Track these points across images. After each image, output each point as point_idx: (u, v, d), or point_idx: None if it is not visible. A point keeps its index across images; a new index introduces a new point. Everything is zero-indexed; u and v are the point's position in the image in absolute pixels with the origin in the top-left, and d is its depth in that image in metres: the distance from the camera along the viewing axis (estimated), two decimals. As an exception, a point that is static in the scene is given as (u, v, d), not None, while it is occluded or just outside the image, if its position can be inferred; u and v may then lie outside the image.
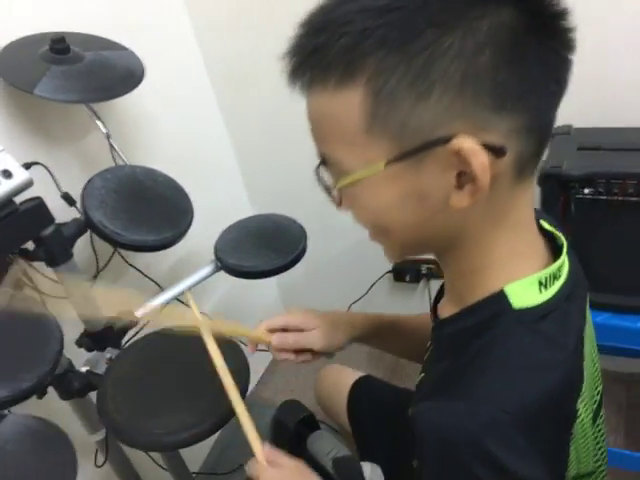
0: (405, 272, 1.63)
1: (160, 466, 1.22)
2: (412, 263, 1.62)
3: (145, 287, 1.14)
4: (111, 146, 1.06)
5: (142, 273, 1.14)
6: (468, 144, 0.40)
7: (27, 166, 0.88)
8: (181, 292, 1.11)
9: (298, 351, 0.75)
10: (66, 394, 0.92)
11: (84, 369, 0.91)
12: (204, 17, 1.38)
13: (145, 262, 1.16)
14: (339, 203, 0.50)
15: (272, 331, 0.74)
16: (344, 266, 1.74)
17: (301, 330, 0.74)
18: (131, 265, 1.12)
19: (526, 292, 0.47)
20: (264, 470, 0.63)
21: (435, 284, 1.63)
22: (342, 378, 1.05)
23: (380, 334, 0.80)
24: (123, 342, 1.00)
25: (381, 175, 0.44)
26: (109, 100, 0.98)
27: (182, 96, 1.38)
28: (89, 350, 0.99)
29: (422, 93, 0.39)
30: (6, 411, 0.68)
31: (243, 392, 0.84)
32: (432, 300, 0.64)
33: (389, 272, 1.66)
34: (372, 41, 0.39)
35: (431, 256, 1.65)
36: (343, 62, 0.41)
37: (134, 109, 1.21)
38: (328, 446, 1.24)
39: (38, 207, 0.87)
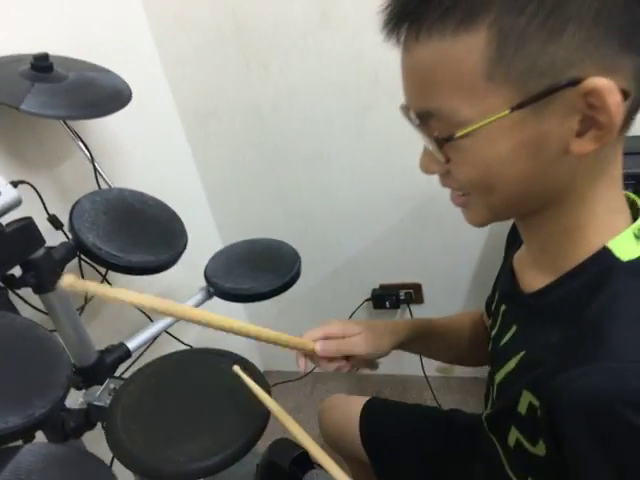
0: (384, 299, 1.62)
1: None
2: (391, 289, 1.62)
3: (132, 317, 1.06)
4: (95, 169, 1.00)
5: (131, 303, 1.06)
6: (603, 82, 0.39)
7: (14, 184, 0.81)
8: (171, 323, 1.04)
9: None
10: (59, 436, 0.82)
11: (80, 403, 0.82)
12: (172, 51, 1.37)
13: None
14: (446, 160, 0.47)
15: (314, 341, 0.70)
16: (321, 298, 1.71)
17: (343, 337, 0.71)
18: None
19: (627, 245, 0.47)
20: None
21: (414, 309, 1.63)
22: (350, 406, 1.00)
23: (421, 338, 0.78)
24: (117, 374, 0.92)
25: (501, 124, 0.42)
26: (99, 117, 0.93)
27: (152, 129, 1.35)
28: (78, 388, 0.90)
29: (554, 32, 0.38)
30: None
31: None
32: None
33: (368, 300, 1.65)
34: None
35: (410, 281, 1.65)
36: (466, 4, 0.40)
37: (107, 136, 1.17)
38: (327, 484, 1.17)
39: (28, 228, 0.80)
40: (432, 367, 1.71)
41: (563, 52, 0.39)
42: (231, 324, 0.63)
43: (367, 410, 0.97)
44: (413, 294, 1.61)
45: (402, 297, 1.61)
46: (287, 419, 0.64)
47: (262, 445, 1.51)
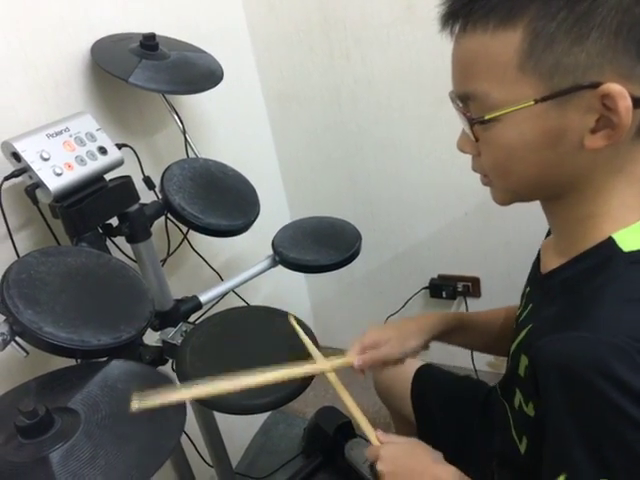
0: (442, 289, 1.66)
1: (207, 463, 1.24)
2: (449, 280, 1.66)
3: (206, 275, 1.19)
4: (186, 140, 1.13)
5: (206, 262, 1.19)
6: (617, 88, 0.44)
7: (118, 147, 0.94)
8: (239, 283, 1.15)
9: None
10: (136, 367, 0.95)
11: (156, 341, 0.94)
12: (262, 37, 1.48)
13: (208, 253, 1.21)
14: (476, 139, 0.54)
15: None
16: (380, 282, 1.78)
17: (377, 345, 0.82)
18: (197, 252, 1.17)
19: (633, 237, 0.51)
20: (382, 448, 0.67)
21: (470, 302, 1.66)
22: (405, 366, 1.07)
23: (453, 332, 0.86)
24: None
25: (528, 112, 0.48)
26: (193, 94, 1.05)
27: (238, 107, 1.46)
28: (155, 330, 1.02)
29: (579, 38, 0.44)
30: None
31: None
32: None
33: (425, 288, 1.69)
34: None
35: (469, 274, 1.67)
36: (508, 5, 0.46)
37: (198, 110, 1.29)
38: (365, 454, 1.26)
39: (127, 185, 0.93)
40: (483, 361, 1.73)
41: (585, 56, 0.45)
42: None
43: (420, 373, 1.04)
44: (471, 287, 1.64)
45: (459, 289, 1.65)
46: (330, 372, 0.73)
47: (310, 411, 1.62)
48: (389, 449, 0.67)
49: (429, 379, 1.02)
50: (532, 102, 0.47)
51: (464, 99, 0.53)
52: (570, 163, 0.50)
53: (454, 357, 1.73)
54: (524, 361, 0.56)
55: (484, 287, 1.64)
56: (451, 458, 0.92)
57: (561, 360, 0.47)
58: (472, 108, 0.53)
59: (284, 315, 0.92)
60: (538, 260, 0.66)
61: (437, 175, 1.49)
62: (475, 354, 1.63)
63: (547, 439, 0.51)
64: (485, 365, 1.75)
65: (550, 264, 0.59)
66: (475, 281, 1.63)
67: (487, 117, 0.51)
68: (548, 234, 0.67)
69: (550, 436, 0.50)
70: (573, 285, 0.53)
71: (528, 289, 0.68)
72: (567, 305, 0.52)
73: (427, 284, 1.69)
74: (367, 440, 1.56)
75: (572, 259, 0.55)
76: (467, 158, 1.50)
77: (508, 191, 0.58)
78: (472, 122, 0.53)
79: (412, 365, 1.04)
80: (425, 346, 0.84)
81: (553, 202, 0.57)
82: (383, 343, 0.83)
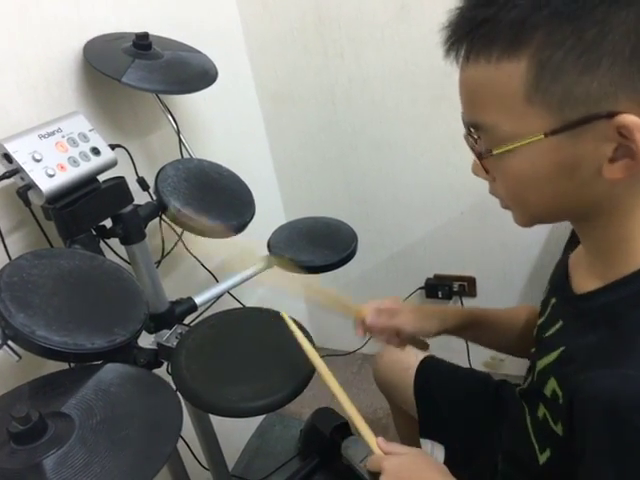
0: (437, 289, 1.65)
1: (203, 466, 1.23)
2: (444, 280, 1.65)
3: (201, 277, 1.18)
4: (180, 140, 1.12)
5: (201, 263, 1.18)
6: (632, 120, 0.41)
7: (112, 147, 0.92)
8: (235, 285, 1.14)
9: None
10: (131, 370, 0.94)
11: (151, 343, 0.93)
12: (257, 36, 1.47)
13: (202, 254, 1.20)
14: (486, 171, 0.52)
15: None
16: (375, 282, 1.78)
17: (393, 313, 0.81)
18: (192, 254, 1.16)
19: None
20: (385, 460, 0.64)
21: (466, 302, 1.66)
22: (404, 356, 1.05)
23: (471, 328, 0.84)
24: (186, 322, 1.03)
25: (539, 145, 0.45)
26: (188, 93, 1.04)
27: (232, 107, 1.45)
28: (150, 332, 1.01)
29: (589, 66, 0.41)
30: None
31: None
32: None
33: (421, 288, 1.69)
34: (544, 13, 0.41)
35: (465, 273, 1.66)
36: (511, 34, 0.43)
37: (192, 111, 1.28)
38: (363, 452, 1.25)
39: (120, 186, 0.92)
40: (479, 361, 1.73)
41: (597, 85, 0.42)
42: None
43: (424, 366, 1.03)
44: (467, 287, 1.64)
45: (455, 289, 1.64)
46: (322, 367, 0.74)
47: (306, 412, 1.61)
48: (393, 462, 0.64)
49: (434, 371, 1.01)
50: (542, 136, 0.45)
51: (474, 127, 0.51)
52: (589, 191, 0.48)
53: (451, 355, 1.72)
54: (552, 383, 0.54)
55: (480, 287, 1.64)
56: (456, 451, 0.91)
57: (605, 397, 0.45)
58: (482, 138, 0.50)
59: (280, 316, 0.91)
60: (566, 272, 0.63)
61: (433, 174, 1.49)
62: (471, 353, 1.63)
63: (583, 469, 0.49)
64: (481, 365, 1.74)
65: (584, 285, 0.57)
66: (471, 281, 1.63)
67: (495, 152, 0.48)
68: (569, 243, 0.65)
69: (586, 468, 0.49)
70: (615, 313, 0.50)
71: (554, 301, 0.64)
72: (609, 336, 0.50)
73: (423, 284, 1.68)
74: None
75: (612, 283, 0.52)
76: (462, 157, 1.50)
77: (526, 216, 0.55)
78: (480, 157, 0.51)
79: (413, 356, 1.03)
80: (438, 333, 0.83)
81: (582, 223, 0.55)
82: (400, 314, 0.82)
